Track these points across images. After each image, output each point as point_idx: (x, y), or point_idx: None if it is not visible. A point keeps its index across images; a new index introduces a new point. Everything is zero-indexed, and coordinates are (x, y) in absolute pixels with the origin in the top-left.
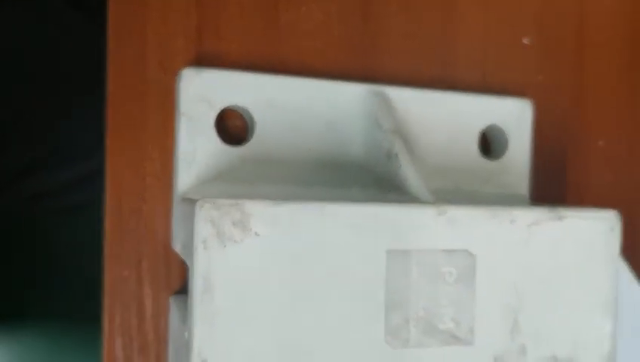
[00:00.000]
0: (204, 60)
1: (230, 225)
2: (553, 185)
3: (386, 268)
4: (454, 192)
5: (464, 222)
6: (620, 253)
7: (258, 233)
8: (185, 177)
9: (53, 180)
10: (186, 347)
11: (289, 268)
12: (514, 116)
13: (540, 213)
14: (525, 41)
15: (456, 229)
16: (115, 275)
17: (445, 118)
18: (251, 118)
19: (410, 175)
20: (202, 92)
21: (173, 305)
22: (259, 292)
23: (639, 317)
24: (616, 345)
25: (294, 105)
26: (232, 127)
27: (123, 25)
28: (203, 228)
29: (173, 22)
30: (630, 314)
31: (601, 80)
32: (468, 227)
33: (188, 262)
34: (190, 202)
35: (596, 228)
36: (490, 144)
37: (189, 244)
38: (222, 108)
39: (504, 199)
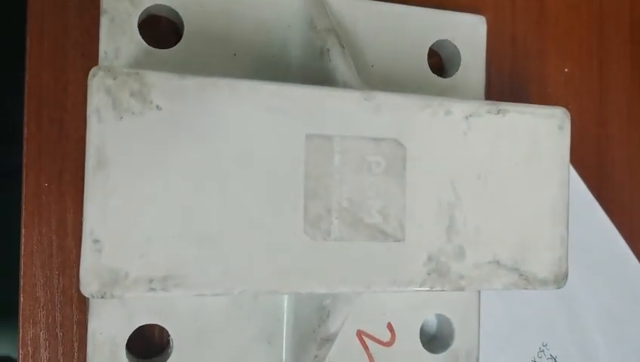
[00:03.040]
0: None
1: (128, 95)
2: None
3: (305, 154)
4: None
5: (393, 111)
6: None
7: (160, 106)
8: None
9: None
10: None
11: (195, 147)
12: (467, 32)
13: (477, 105)
14: None
15: (385, 117)
16: (33, 188)
17: (393, 31)
18: (179, 19)
19: (340, 65)
20: None
21: None
22: (160, 171)
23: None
24: (567, 251)
25: (226, 7)
26: (161, 31)
27: None
28: (96, 97)
29: None
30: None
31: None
32: (398, 116)
33: None
34: None
35: (542, 126)
36: (441, 61)
37: None
38: (146, 7)
39: None
